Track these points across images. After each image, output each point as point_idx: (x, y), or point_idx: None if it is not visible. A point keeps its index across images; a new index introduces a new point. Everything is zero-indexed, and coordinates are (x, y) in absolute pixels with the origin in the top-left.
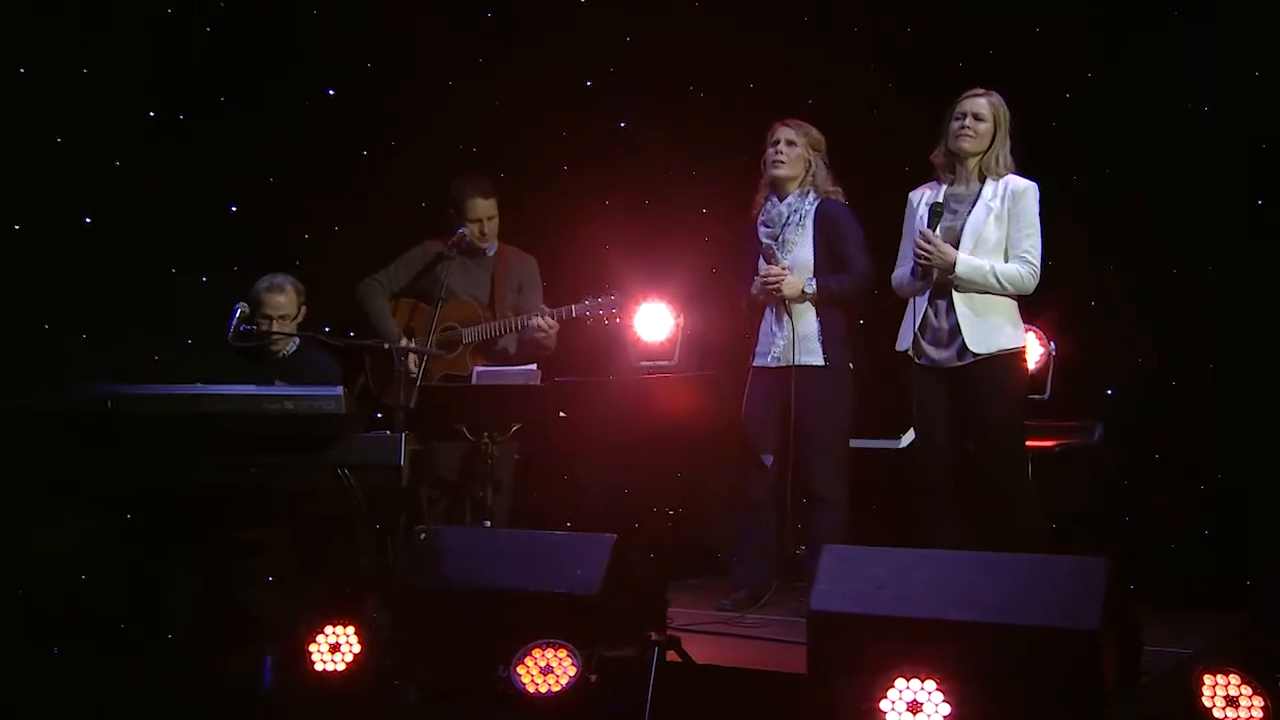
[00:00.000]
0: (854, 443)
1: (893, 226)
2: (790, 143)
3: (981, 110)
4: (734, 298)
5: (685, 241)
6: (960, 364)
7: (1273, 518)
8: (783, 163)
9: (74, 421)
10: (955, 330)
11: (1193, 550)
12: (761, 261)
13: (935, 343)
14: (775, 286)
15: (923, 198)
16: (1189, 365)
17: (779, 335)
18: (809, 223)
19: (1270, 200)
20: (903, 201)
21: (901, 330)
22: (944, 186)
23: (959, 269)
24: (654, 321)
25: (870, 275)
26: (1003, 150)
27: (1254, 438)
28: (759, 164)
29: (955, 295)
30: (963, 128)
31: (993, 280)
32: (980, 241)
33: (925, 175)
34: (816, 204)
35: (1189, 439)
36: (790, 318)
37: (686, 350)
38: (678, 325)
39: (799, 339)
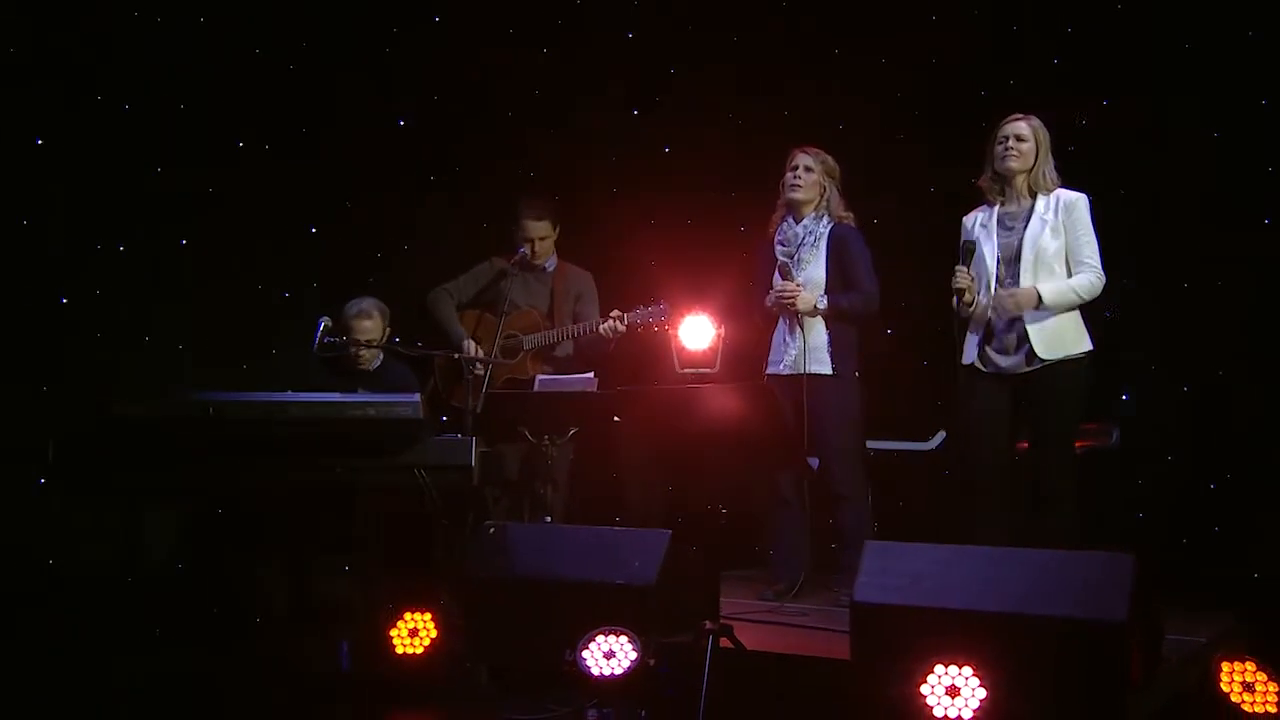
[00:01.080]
0: (885, 444)
1: (899, 251)
2: (808, 169)
3: (1023, 132)
4: (749, 309)
5: (724, 257)
6: (1028, 369)
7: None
8: (800, 187)
9: (179, 426)
10: (1023, 337)
11: (1202, 546)
12: (777, 277)
13: (1002, 351)
14: (790, 301)
15: (976, 220)
16: (1198, 372)
17: (791, 345)
18: (823, 244)
19: (1276, 219)
20: (919, 223)
21: (966, 346)
22: (995, 208)
23: (1046, 298)
24: (697, 331)
25: (876, 295)
26: (1047, 167)
27: (1261, 440)
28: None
29: None
30: (1007, 149)
31: (1074, 297)
32: (1040, 252)
33: (943, 203)
34: (830, 227)
35: (1199, 442)
36: (802, 330)
37: (726, 358)
38: (719, 335)
39: (809, 349)
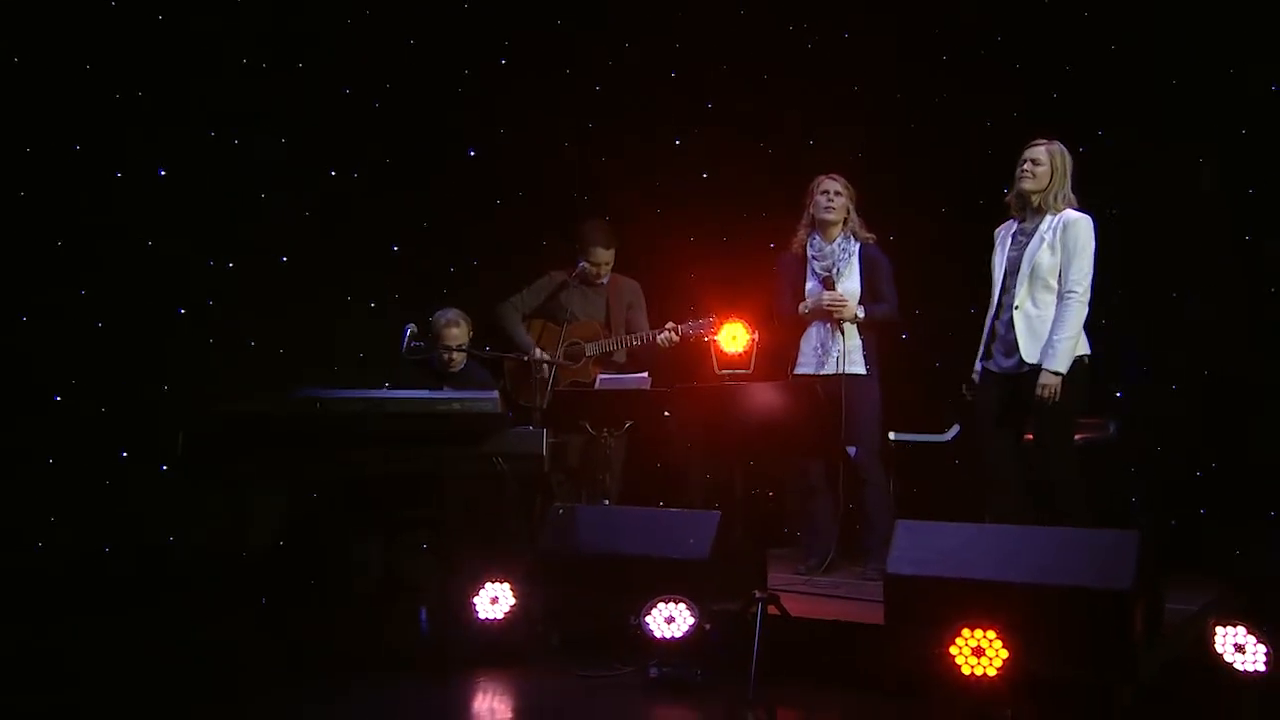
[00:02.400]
0: (905, 436)
1: (914, 264)
2: (837, 193)
3: (1039, 156)
4: (779, 315)
5: (756, 270)
6: (1019, 372)
7: (1257, 500)
8: (833, 209)
9: (291, 419)
10: (1015, 344)
11: (1187, 528)
12: (820, 287)
13: (1004, 352)
14: (840, 308)
15: (999, 235)
16: (1185, 372)
17: (833, 349)
18: (855, 261)
19: (1256, 239)
20: (934, 238)
21: (983, 347)
22: (1016, 222)
23: (1061, 369)
24: (734, 337)
25: (898, 307)
26: (1062, 189)
27: (1240, 432)
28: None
29: (1015, 314)
30: (1023, 171)
31: (1071, 343)
32: (1036, 268)
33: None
34: (859, 246)
35: (1186, 433)
36: (843, 335)
37: (759, 361)
38: (753, 340)
39: (847, 352)
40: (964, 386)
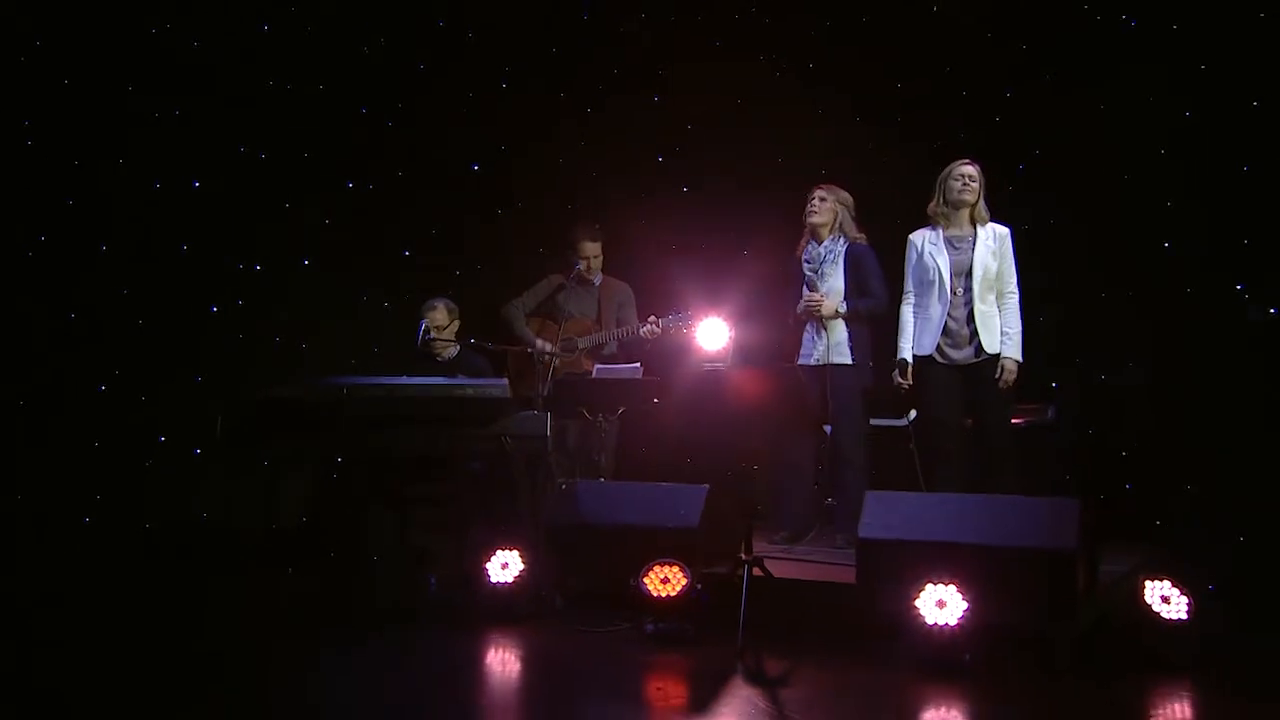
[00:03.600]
0: (871, 421)
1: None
2: (822, 199)
3: (974, 173)
4: (781, 314)
5: (732, 274)
6: (976, 361)
7: (1175, 475)
8: (816, 213)
9: (319, 404)
10: (973, 335)
11: (1115, 500)
12: (806, 289)
13: (956, 345)
14: (816, 308)
15: (925, 238)
16: (1113, 364)
17: (819, 342)
18: (840, 260)
19: (1174, 244)
20: (889, 243)
21: (918, 339)
22: (940, 230)
23: (1020, 357)
24: (713, 332)
25: (886, 300)
26: (983, 204)
27: (1161, 416)
28: (787, 218)
29: (974, 308)
30: (964, 186)
31: (1020, 336)
32: (985, 271)
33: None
34: (846, 246)
35: (1113, 417)
36: (825, 330)
37: (737, 354)
38: (731, 335)
39: (832, 345)
40: (894, 374)
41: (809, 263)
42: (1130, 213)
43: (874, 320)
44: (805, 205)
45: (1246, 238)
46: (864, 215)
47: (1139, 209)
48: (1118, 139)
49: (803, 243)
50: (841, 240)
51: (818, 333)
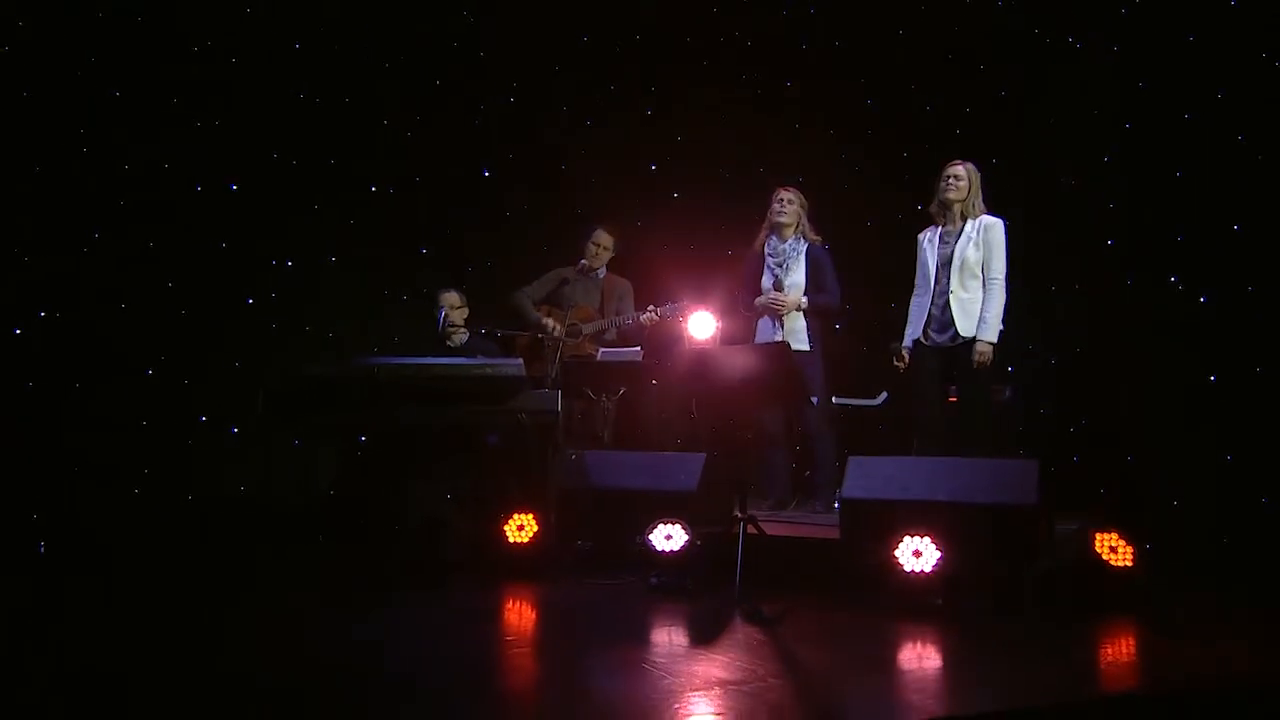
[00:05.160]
0: (845, 401)
1: (857, 260)
2: (790, 201)
3: (959, 172)
4: (735, 302)
5: (719, 272)
6: (953, 344)
7: (1115, 447)
8: (785, 213)
9: (353, 382)
10: (950, 321)
11: (1065, 470)
12: (772, 287)
13: (937, 329)
14: (780, 308)
15: (925, 237)
16: (1061, 350)
17: (779, 331)
18: (802, 258)
19: (1117, 243)
20: (862, 244)
21: (913, 325)
22: (938, 227)
23: (993, 339)
24: (702, 324)
25: (839, 295)
26: (977, 199)
27: (1105, 397)
28: (763, 216)
29: (951, 298)
30: (948, 185)
31: (998, 319)
32: (964, 261)
33: (887, 229)
34: (806, 246)
35: (1063, 398)
36: (783, 326)
37: (723, 343)
38: (718, 327)
39: (791, 333)
40: (893, 357)
41: (773, 256)
42: (1077, 213)
43: (829, 316)
44: (771, 203)
45: (1179, 235)
46: (832, 218)
47: (1085, 210)
48: (1065, 148)
49: (762, 237)
50: (802, 240)
51: (775, 325)
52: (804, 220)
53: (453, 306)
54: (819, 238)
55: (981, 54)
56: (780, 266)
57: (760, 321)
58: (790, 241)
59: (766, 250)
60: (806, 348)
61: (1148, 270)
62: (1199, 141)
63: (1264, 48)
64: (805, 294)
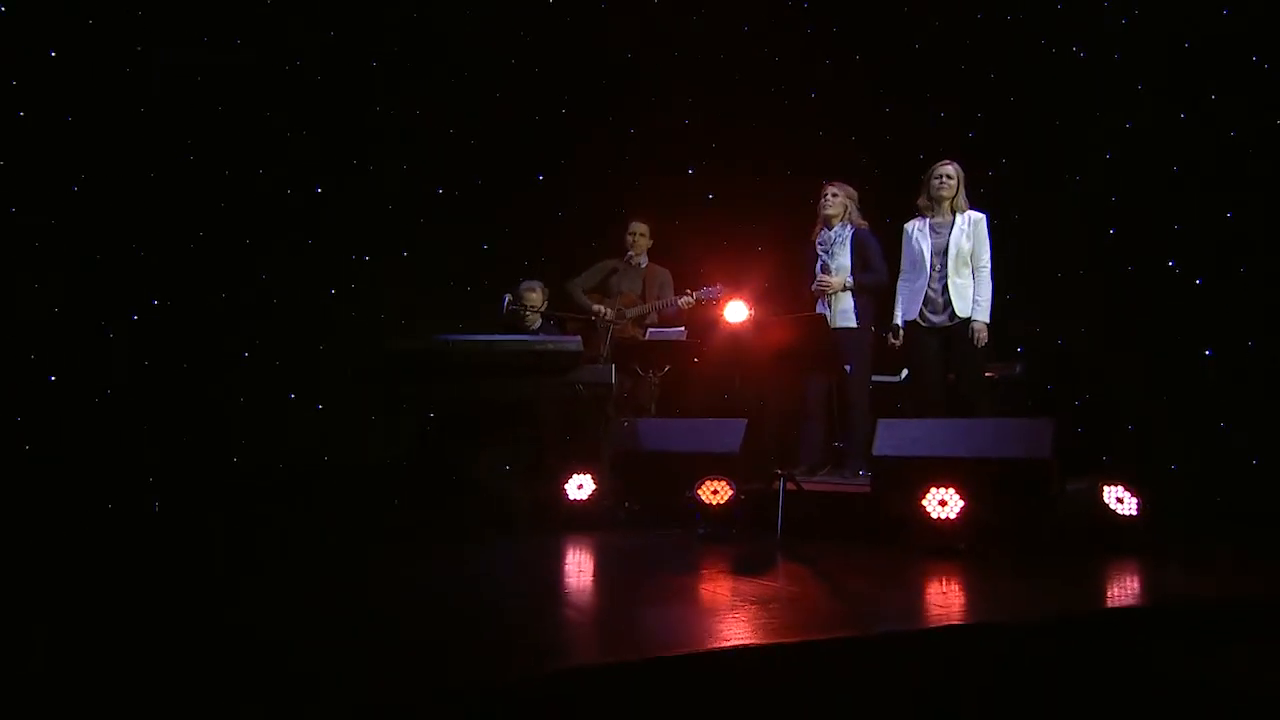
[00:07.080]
0: (873, 377)
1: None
2: (835, 194)
3: (951, 171)
4: (798, 288)
5: (751, 265)
6: (950, 324)
7: (1117, 417)
8: (831, 205)
9: (431, 357)
10: (948, 302)
11: (1072, 439)
12: (820, 269)
13: (934, 311)
14: (827, 289)
15: (915, 227)
16: (1067, 330)
17: (829, 311)
18: (848, 243)
19: (1118, 233)
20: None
21: (906, 307)
22: (928, 219)
23: (987, 319)
24: (736, 311)
25: (885, 275)
26: (963, 195)
27: (1108, 371)
28: (792, 219)
29: (948, 283)
30: (942, 183)
31: (989, 302)
32: (959, 251)
33: (903, 214)
34: (852, 231)
35: (1067, 373)
36: (831, 306)
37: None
38: (751, 314)
39: (839, 313)
40: (889, 336)
41: (821, 245)
42: (1081, 206)
43: (877, 292)
44: (819, 198)
45: (1176, 224)
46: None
47: (1089, 203)
48: (1069, 147)
49: (816, 229)
50: (849, 227)
51: (826, 305)
52: (852, 209)
53: (532, 303)
54: (865, 223)
55: (991, 64)
56: (827, 253)
57: (818, 305)
58: (837, 229)
59: (818, 241)
60: (853, 325)
61: (1147, 257)
62: (1192, 139)
63: (1253, 51)
64: (851, 275)
